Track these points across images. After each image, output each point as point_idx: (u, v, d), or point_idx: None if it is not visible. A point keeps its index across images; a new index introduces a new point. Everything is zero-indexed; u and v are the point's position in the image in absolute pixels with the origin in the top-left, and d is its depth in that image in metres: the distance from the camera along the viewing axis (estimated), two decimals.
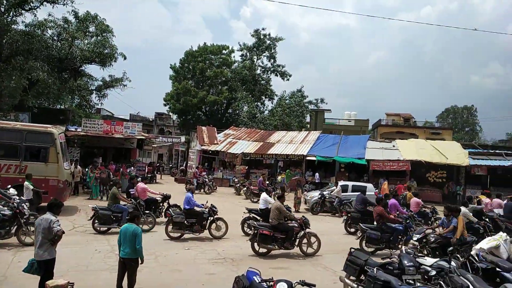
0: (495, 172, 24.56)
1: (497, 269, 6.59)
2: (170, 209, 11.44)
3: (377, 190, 20.02)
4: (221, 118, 45.70)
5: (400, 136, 38.52)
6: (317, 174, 26.05)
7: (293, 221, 9.98)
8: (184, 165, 33.14)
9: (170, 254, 9.46)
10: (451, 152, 25.22)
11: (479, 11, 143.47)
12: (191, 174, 25.65)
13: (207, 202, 11.93)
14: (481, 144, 34.89)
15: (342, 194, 18.09)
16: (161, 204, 13.21)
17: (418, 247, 9.11)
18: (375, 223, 11.16)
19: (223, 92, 43.19)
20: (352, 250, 7.07)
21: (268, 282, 4.88)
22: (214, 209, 11.55)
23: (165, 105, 46.92)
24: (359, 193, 15.10)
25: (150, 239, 10.66)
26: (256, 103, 43.90)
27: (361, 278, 6.53)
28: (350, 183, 19.79)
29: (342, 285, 7.13)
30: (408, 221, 11.00)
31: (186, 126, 45.44)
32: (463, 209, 11.17)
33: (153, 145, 38.19)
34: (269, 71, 46.08)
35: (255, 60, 45.78)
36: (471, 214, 11.44)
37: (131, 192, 13.24)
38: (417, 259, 6.62)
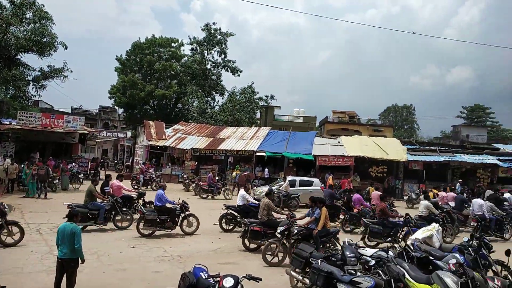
0: (431, 167, 26.41)
1: (430, 257, 7.09)
2: (142, 207, 11.42)
3: (323, 185, 20.70)
4: (170, 113, 44.70)
5: (345, 133, 40.06)
6: (266, 169, 26.39)
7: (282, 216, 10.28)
8: (130, 161, 32.05)
9: (113, 253, 9.11)
10: (391, 149, 26.70)
11: (419, 15, 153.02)
12: (137, 170, 24.87)
13: (180, 198, 11.87)
14: (418, 141, 37.29)
15: (290, 188, 18.51)
16: (136, 201, 13.05)
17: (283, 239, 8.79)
18: (341, 217, 12.74)
19: (172, 86, 42.22)
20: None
21: (215, 278, 4.87)
22: (186, 205, 11.58)
23: (110, 98, 44.87)
24: (327, 189, 16.02)
25: (93, 238, 10.22)
26: (206, 98, 43.45)
27: (306, 270, 6.72)
28: (297, 178, 20.31)
29: (289, 278, 7.33)
30: (407, 217, 11.38)
31: (132, 120, 43.88)
32: (426, 202, 12.27)
33: (96, 140, 36.55)
34: (220, 66, 45.82)
35: (205, 54, 45.27)
36: (432, 206, 12.22)
37: (106, 190, 12.81)
38: (358, 250, 6.93)
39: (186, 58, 45.30)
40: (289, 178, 19.97)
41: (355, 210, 13.40)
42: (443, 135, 66.23)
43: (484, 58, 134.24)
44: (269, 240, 8.78)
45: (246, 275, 4.76)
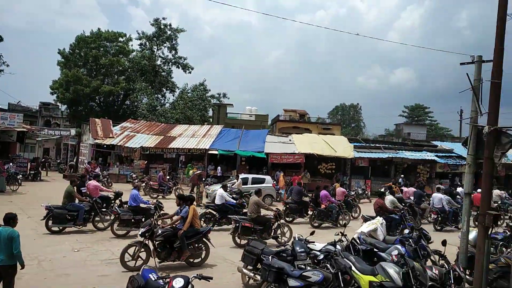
0: (375, 163, 27.74)
1: (375, 249, 7.44)
2: (119, 207, 11.40)
3: (274, 182, 21.02)
4: (118, 110, 42.99)
5: (296, 131, 40.87)
6: (219, 167, 26.28)
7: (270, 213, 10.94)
8: (74, 160, 30.44)
9: (56, 257, 8.62)
10: (339, 146, 27.69)
11: (364, 18, 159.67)
12: (82, 170, 23.69)
13: (157, 196, 11.66)
14: (364, 138, 38.97)
15: (243, 186, 18.58)
16: (113, 202, 12.86)
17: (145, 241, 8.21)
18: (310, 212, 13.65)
19: (119, 82, 40.57)
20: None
21: (164, 279, 4.76)
22: (160, 205, 11.79)
23: (52, 94, 42.14)
24: (296, 186, 16.58)
25: (33, 242, 9.58)
26: (156, 95, 42.30)
27: (258, 267, 6.77)
28: (250, 176, 20.45)
29: (240, 275, 7.35)
30: (402, 211, 12.09)
31: (77, 117, 41.56)
32: (391, 197, 13.00)
33: (37, 139, 34.19)
34: (170, 63, 44.79)
35: (155, 50, 44.06)
36: (397, 201, 12.99)
37: (82, 191, 12.42)
38: (308, 245, 7.11)
39: (134, 53, 43.76)
40: (242, 176, 20.05)
41: (323, 206, 14.17)
42: (387, 133, 69.73)
43: (423, 60, 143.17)
44: (128, 243, 8.28)
45: (197, 274, 4.71)
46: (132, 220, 10.89)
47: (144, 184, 20.67)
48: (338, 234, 7.91)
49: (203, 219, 12.31)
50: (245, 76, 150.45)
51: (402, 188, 19.39)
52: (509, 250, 8.20)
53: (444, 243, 6.92)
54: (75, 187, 11.87)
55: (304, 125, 48.40)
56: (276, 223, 10.83)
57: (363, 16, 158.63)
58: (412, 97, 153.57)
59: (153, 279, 4.86)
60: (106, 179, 21.99)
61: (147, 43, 43.64)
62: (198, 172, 21.72)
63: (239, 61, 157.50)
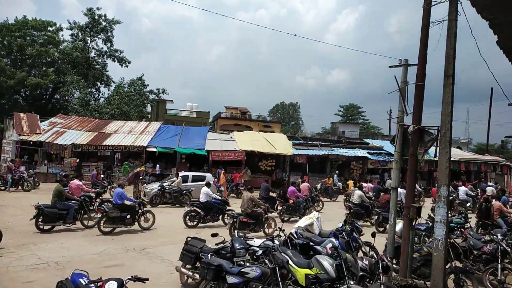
0: (313, 160, 28.75)
1: (311, 243, 7.71)
2: (103, 205, 11.56)
3: (215, 179, 20.92)
4: (46, 104, 40.01)
5: (238, 128, 41.08)
6: (158, 165, 25.56)
7: (261, 208, 11.93)
8: None
9: None
10: (279, 143, 28.30)
11: (303, 20, 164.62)
12: (5, 168, 21.69)
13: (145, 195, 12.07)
14: (302, 136, 40.19)
15: (183, 184, 18.26)
16: (94, 200, 12.90)
17: None
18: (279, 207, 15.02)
19: (48, 74, 37.72)
20: (189, 239, 7.18)
21: (96, 283, 4.51)
22: (143, 202, 12.62)
23: None
24: (264, 183, 16.80)
25: None
26: (89, 89, 39.96)
27: (196, 265, 6.69)
28: (190, 174, 20.15)
29: (179, 275, 7.21)
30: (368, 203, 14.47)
31: None
32: (359, 191, 14.81)
33: None
34: (105, 55, 42.58)
35: (88, 41, 41.57)
36: (364, 195, 14.87)
37: (65, 190, 12.10)
38: (247, 241, 7.17)
39: (65, 44, 40.94)
40: (182, 173, 19.68)
41: (291, 201, 15.25)
42: (324, 131, 72.57)
43: (358, 62, 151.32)
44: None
45: (132, 276, 4.52)
46: (119, 217, 11.31)
47: None
48: (276, 229, 8.06)
49: (187, 217, 12.85)
50: (185, 72, 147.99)
51: (362, 184, 20.66)
52: (430, 239, 8.92)
53: (373, 235, 7.36)
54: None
55: (245, 123, 48.76)
56: (266, 216, 12.08)
57: (302, 17, 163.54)
58: (347, 97, 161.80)
59: (84, 283, 4.58)
60: (32, 178, 20.35)
61: (80, 34, 41.07)
62: (137, 170, 20.94)
63: (179, 56, 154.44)
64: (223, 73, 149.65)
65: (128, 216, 11.54)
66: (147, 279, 4.65)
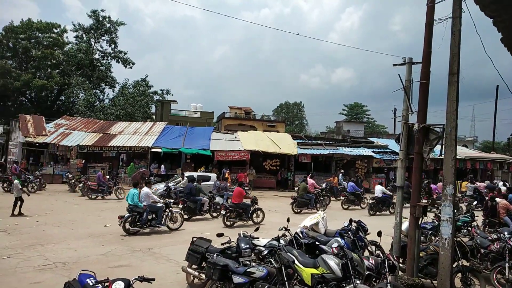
0: (317, 159, 28.69)
1: (317, 242, 7.70)
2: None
3: (221, 179, 20.92)
4: (51, 105, 40.31)
5: (242, 128, 41.13)
6: (162, 166, 25.63)
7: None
8: (3, 160, 28.01)
9: None
10: (283, 143, 28.27)
11: (307, 18, 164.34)
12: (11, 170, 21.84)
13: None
14: (306, 135, 40.14)
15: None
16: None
17: None
18: None
19: (53, 76, 38.02)
20: (194, 239, 7.20)
21: (103, 283, 4.54)
22: (169, 202, 12.93)
23: None
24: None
25: None
26: (94, 91, 40.20)
27: (202, 266, 6.71)
28: (195, 174, 20.16)
29: (185, 275, 7.24)
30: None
31: (5, 114, 38.29)
32: (146, 189, 13.51)
33: None
34: (110, 57, 42.83)
35: (92, 43, 41.80)
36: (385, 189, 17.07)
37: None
38: (252, 241, 7.17)
39: (70, 45, 41.20)
40: (187, 174, 19.72)
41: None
42: (328, 130, 72.48)
43: (363, 61, 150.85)
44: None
45: (139, 276, 4.55)
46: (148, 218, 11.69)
47: (81, 184, 19.59)
48: (282, 229, 8.07)
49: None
50: (189, 72, 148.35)
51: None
52: (437, 238, 8.87)
53: (379, 234, 7.34)
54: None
55: (249, 123, 48.81)
56: (253, 208, 13.59)
57: (306, 15, 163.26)
58: (351, 96, 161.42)
59: (91, 283, 4.62)
60: (38, 179, 20.49)
61: (84, 36, 41.33)
62: (141, 170, 21.05)
63: (183, 56, 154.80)
64: (226, 73, 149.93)
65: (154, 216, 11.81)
66: (153, 279, 4.67)
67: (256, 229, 7.78)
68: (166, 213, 12.07)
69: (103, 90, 43.01)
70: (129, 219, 11.36)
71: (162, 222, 11.88)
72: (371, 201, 17.53)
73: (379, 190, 17.46)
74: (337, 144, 31.52)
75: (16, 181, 13.82)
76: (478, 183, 22.14)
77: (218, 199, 15.68)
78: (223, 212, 13.70)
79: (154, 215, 11.74)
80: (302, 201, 16.76)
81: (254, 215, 13.69)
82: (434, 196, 19.31)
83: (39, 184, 20.32)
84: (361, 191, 19.41)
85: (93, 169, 24.23)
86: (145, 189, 12.07)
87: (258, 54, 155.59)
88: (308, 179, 18.43)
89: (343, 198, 19.25)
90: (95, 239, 10.60)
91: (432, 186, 20.95)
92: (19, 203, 13.45)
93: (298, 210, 16.75)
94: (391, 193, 17.45)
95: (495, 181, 30.52)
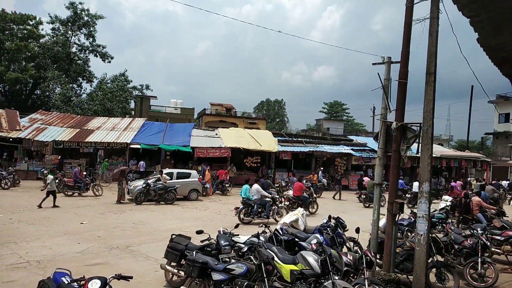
0: (298, 156, 28.91)
1: (296, 239, 7.75)
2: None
3: (200, 176, 20.82)
4: (26, 100, 39.14)
5: (223, 125, 40.96)
6: (142, 162, 25.26)
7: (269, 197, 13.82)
8: None
9: None
10: (264, 140, 28.33)
11: (290, 16, 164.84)
12: None
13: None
14: (287, 133, 40.32)
15: (168, 181, 18.11)
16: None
17: None
18: None
19: (28, 69, 36.83)
20: (174, 236, 7.13)
21: (79, 282, 4.43)
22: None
23: None
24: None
25: None
26: (71, 85, 39.25)
27: (181, 263, 6.65)
28: (175, 171, 19.98)
29: (164, 273, 7.16)
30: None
31: None
32: (256, 185, 14.57)
33: None
34: (88, 51, 41.87)
35: (70, 36, 40.72)
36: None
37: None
38: (232, 238, 7.15)
39: (46, 38, 40.01)
40: (166, 170, 19.51)
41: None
42: (308, 128, 73.04)
43: (344, 59, 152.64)
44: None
45: (115, 274, 4.46)
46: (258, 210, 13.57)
47: (57, 180, 19.09)
48: (261, 226, 8.08)
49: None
50: (170, 67, 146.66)
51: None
52: (413, 234, 9.08)
53: (357, 230, 7.44)
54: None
55: (230, 119, 48.68)
56: (274, 206, 13.83)
57: (288, 13, 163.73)
58: (332, 94, 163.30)
59: (67, 282, 4.51)
60: (12, 176, 19.87)
61: (61, 28, 40.22)
62: (121, 167, 20.64)
63: (164, 52, 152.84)
64: (208, 69, 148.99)
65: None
66: (131, 277, 4.60)
67: (236, 226, 7.77)
68: (273, 208, 13.67)
69: (80, 84, 42.16)
70: (243, 210, 13.42)
71: (269, 215, 13.52)
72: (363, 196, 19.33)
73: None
74: (317, 141, 31.82)
75: (49, 176, 15.16)
76: (453, 183, 22.54)
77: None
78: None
79: (263, 208, 13.51)
80: (371, 197, 17.25)
81: (310, 206, 15.83)
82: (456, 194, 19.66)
83: (12, 180, 19.72)
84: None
85: (69, 165, 23.69)
86: (255, 185, 14.08)
87: (241, 51, 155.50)
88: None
89: (364, 196, 19.48)
90: (71, 237, 10.36)
91: (452, 184, 21.31)
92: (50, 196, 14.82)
93: (367, 205, 18.39)
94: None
95: (468, 178, 31.50)
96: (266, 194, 14.10)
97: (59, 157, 24.15)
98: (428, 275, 6.84)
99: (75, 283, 4.46)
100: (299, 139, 32.08)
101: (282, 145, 28.41)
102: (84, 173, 19.99)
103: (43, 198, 14.76)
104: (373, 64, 8.30)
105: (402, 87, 7.37)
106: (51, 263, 7.90)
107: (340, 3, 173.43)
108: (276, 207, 13.83)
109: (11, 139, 24.42)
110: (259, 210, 13.45)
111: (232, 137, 28.11)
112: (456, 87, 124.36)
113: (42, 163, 24.03)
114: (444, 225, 10.40)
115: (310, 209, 15.89)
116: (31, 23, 39.79)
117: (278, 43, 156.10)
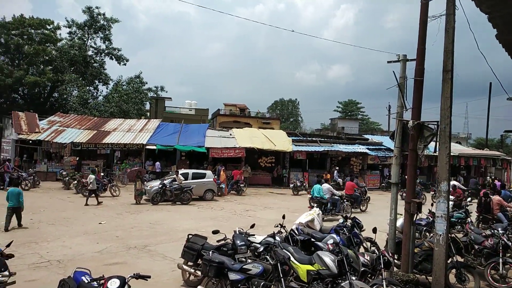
0: (312, 156, 28.76)
1: (312, 239, 7.72)
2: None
3: (215, 176, 20.93)
4: (44, 102, 39.95)
5: (237, 125, 41.05)
6: (157, 163, 25.54)
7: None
8: None
9: None
10: (278, 140, 28.27)
11: (302, 15, 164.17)
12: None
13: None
14: (301, 132, 40.17)
15: (184, 182, 18.27)
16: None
17: None
18: None
19: (46, 73, 37.57)
20: (190, 236, 7.19)
21: (98, 281, 4.52)
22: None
23: None
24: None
25: None
26: (88, 88, 39.90)
27: (198, 263, 6.70)
28: (190, 171, 20.13)
29: (181, 272, 7.23)
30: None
31: None
32: (327, 185, 15.70)
33: None
34: (103, 54, 42.48)
35: (86, 40, 41.43)
36: (332, 188, 15.85)
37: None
38: (248, 238, 7.18)
39: (63, 42, 40.80)
40: (181, 171, 19.68)
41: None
42: (323, 127, 72.48)
43: (358, 58, 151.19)
44: None
45: (134, 274, 4.53)
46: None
47: (76, 181, 19.48)
48: (277, 226, 8.08)
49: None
50: (183, 69, 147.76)
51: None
52: (431, 234, 8.94)
53: (374, 230, 7.37)
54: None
55: (244, 120, 48.74)
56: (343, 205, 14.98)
57: (301, 12, 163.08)
58: (347, 93, 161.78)
59: (87, 281, 4.61)
60: (32, 177, 20.35)
61: (78, 32, 40.94)
62: (136, 168, 20.95)
63: (177, 53, 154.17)
64: (221, 70, 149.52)
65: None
66: (149, 277, 4.66)
67: (252, 226, 7.79)
68: (342, 205, 14.87)
69: (96, 87, 42.72)
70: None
71: (339, 211, 14.52)
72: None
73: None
74: (332, 141, 31.59)
75: (91, 176, 16.35)
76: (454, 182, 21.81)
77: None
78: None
79: (333, 206, 14.63)
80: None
81: (361, 204, 16.69)
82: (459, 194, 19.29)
83: (32, 181, 20.19)
84: None
85: (87, 167, 24.11)
86: (326, 185, 15.17)
87: (253, 51, 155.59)
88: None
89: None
90: (90, 237, 10.56)
91: (496, 182, 20.93)
92: (93, 195, 16.25)
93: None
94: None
95: (487, 177, 30.81)
96: (336, 192, 15.34)
97: (77, 158, 24.60)
98: (447, 276, 6.73)
99: (95, 282, 4.56)
100: (314, 138, 31.91)
101: (296, 145, 28.31)
102: (102, 174, 20.31)
103: (86, 197, 16.37)
104: (388, 62, 8.21)
105: (418, 85, 7.26)
106: (71, 263, 8.07)
107: (353, 1, 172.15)
108: (344, 204, 15.12)
109: (30, 141, 25.01)
110: (331, 208, 14.69)
111: (246, 137, 28.15)
112: (474, 84, 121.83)
113: (60, 165, 24.52)
114: (464, 225, 10.19)
115: (361, 207, 16.77)
116: (48, 27, 40.61)
117: (291, 42, 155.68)
